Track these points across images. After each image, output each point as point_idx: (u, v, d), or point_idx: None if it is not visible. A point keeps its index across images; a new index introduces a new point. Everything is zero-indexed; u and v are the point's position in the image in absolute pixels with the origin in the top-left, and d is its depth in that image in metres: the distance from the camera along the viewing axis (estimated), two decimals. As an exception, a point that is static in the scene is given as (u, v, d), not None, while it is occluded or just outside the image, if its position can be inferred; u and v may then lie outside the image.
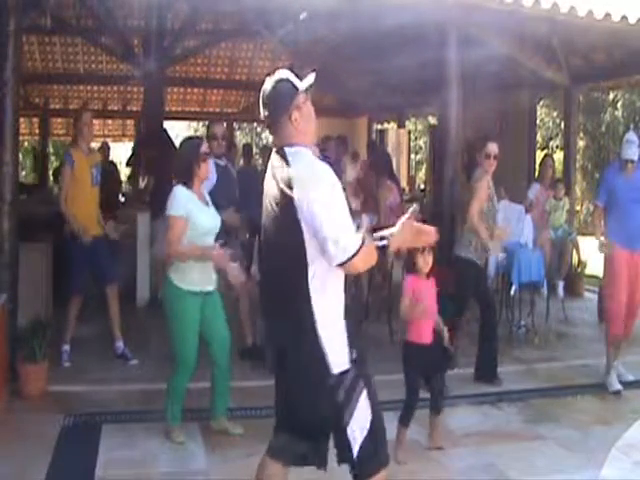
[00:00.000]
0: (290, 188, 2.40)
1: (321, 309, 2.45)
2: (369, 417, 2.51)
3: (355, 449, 2.48)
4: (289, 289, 2.50)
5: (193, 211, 3.98)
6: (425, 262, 4.04)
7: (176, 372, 4.10)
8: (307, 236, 2.41)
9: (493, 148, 5.32)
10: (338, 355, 2.46)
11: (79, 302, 5.59)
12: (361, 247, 2.37)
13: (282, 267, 2.53)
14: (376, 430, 2.53)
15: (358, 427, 2.48)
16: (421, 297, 4.01)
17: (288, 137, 2.54)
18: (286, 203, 2.42)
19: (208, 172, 4.19)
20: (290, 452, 2.66)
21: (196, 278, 4.02)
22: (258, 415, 4.47)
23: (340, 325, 2.49)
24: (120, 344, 5.71)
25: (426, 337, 4.03)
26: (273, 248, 2.60)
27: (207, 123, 5.94)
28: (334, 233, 2.35)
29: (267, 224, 2.59)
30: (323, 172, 2.43)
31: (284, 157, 2.48)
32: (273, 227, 2.54)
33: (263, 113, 2.60)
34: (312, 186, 2.39)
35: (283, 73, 2.61)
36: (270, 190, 2.55)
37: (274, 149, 2.60)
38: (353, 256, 2.36)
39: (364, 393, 2.51)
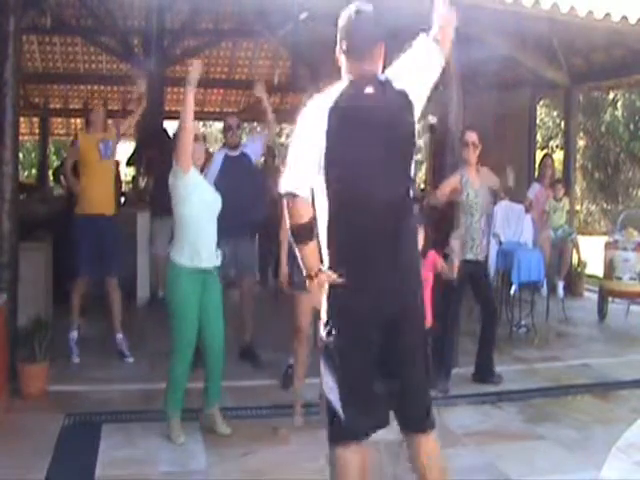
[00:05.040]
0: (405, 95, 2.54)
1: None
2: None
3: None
4: (404, 212, 2.56)
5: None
6: None
7: (175, 358, 4.07)
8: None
9: (470, 136, 5.28)
10: None
11: (83, 285, 5.52)
12: None
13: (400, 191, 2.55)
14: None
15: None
16: None
17: (379, 68, 2.61)
18: (406, 113, 2.56)
19: None
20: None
21: (195, 254, 4.02)
22: (258, 415, 4.47)
23: None
24: (120, 336, 5.65)
25: None
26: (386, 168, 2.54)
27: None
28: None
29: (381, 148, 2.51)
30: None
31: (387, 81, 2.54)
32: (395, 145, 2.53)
33: (352, 40, 2.53)
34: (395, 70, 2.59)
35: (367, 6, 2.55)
36: (379, 113, 2.53)
37: (364, 77, 2.53)
38: None
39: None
